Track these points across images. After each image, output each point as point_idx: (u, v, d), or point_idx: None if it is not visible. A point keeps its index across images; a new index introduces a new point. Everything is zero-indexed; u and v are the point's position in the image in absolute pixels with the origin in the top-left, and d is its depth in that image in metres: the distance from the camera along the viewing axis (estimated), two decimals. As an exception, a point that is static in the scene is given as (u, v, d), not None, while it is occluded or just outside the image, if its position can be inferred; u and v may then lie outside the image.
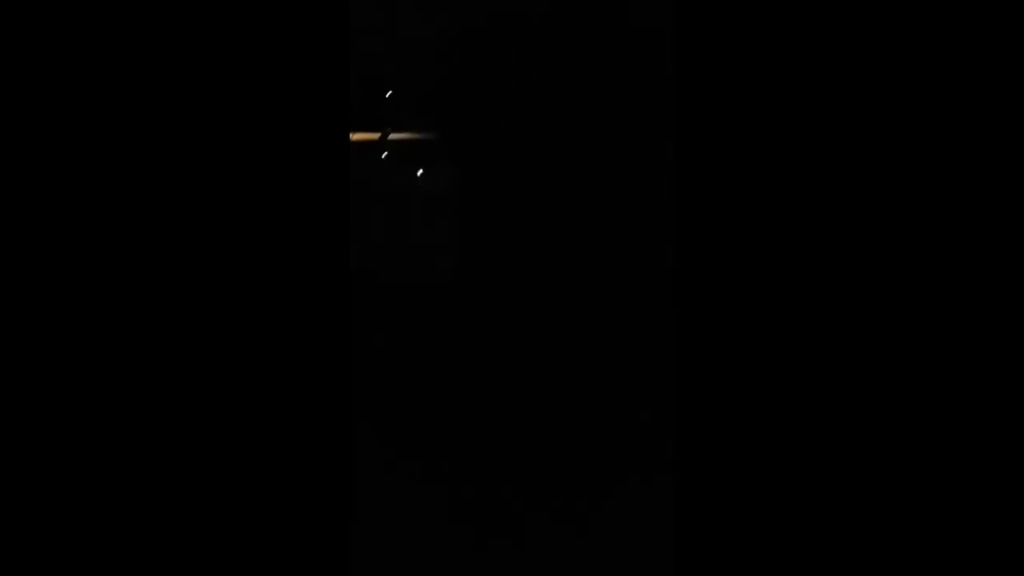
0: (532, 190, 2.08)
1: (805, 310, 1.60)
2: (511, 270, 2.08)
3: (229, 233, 1.65)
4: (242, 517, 1.68)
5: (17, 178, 1.60)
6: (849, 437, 1.58)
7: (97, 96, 1.62)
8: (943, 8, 1.56)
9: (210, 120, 1.64)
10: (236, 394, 1.66)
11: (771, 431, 1.60)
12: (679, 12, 1.62)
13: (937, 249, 1.57)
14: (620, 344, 2.08)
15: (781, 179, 1.60)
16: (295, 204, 1.66)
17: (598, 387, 2.10)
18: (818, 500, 1.58)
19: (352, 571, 1.73)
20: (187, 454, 1.66)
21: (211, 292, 1.65)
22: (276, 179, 1.66)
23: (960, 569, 1.54)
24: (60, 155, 1.62)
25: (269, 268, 1.66)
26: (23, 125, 1.60)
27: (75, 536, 1.64)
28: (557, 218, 2.06)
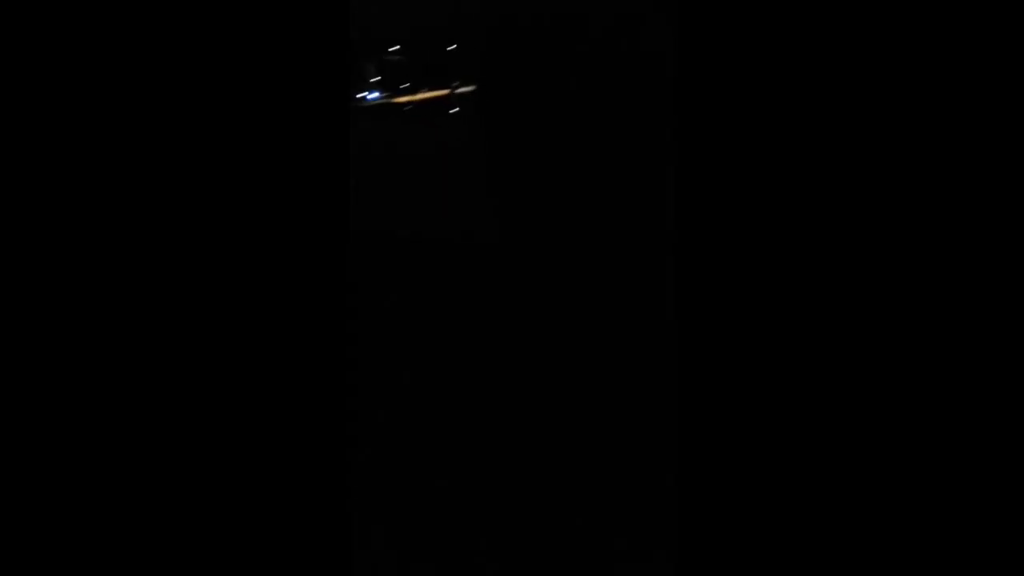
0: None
1: (807, 311, 1.60)
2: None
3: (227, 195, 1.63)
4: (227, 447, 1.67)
5: (11, 167, 1.60)
6: (851, 438, 1.58)
7: (89, 51, 1.61)
8: (942, 8, 1.56)
9: (213, 76, 1.63)
10: (231, 355, 1.65)
11: (771, 430, 1.60)
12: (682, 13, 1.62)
13: (938, 248, 1.57)
14: (622, 343, 2.08)
15: (780, 176, 1.60)
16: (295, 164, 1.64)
17: (599, 379, 2.10)
18: (821, 502, 1.58)
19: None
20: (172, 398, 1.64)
21: (208, 253, 1.64)
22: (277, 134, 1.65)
23: (960, 569, 1.54)
24: (50, 124, 1.61)
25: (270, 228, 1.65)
26: (18, 114, 1.60)
27: (71, 536, 1.64)
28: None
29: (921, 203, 1.56)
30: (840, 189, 1.57)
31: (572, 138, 1.99)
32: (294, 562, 1.68)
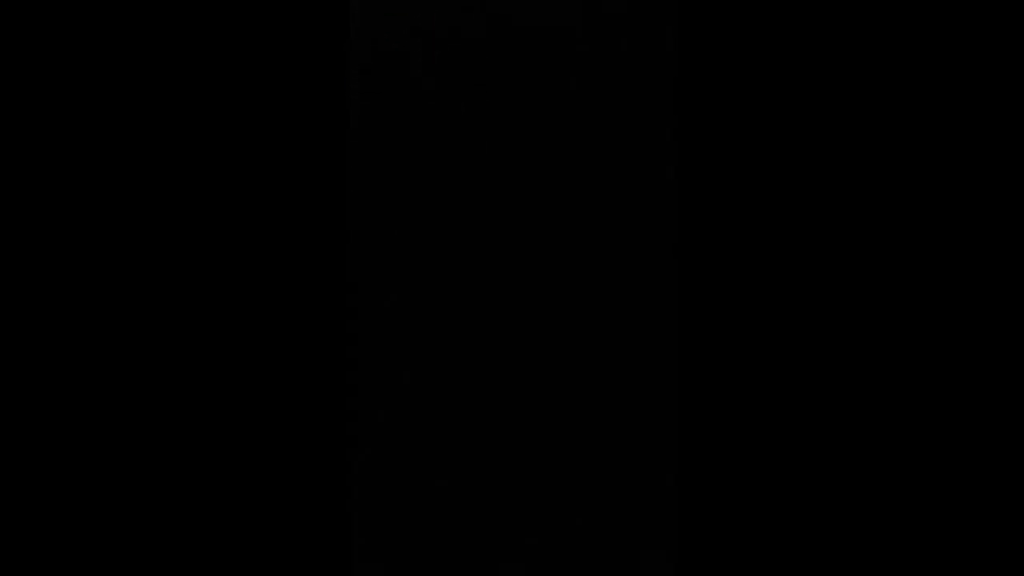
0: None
1: (808, 310, 1.60)
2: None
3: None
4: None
5: (7, 165, 1.60)
6: (853, 439, 1.58)
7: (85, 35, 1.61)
8: (943, 8, 1.56)
9: None
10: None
11: (773, 430, 1.60)
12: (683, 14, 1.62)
13: (940, 249, 1.56)
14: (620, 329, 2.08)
15: (783, 176, 1.60)
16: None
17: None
18: (822, 503, 1.58)
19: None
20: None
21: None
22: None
23: (960, 569, 1.54)
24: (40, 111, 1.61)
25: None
26: (15, 113, 1.60)
27: (66, 536, 1.64)
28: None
29: (927, 203, 1.56)
30: (843, 189, 1.58)
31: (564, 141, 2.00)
32: (293, 563, 1.68)
